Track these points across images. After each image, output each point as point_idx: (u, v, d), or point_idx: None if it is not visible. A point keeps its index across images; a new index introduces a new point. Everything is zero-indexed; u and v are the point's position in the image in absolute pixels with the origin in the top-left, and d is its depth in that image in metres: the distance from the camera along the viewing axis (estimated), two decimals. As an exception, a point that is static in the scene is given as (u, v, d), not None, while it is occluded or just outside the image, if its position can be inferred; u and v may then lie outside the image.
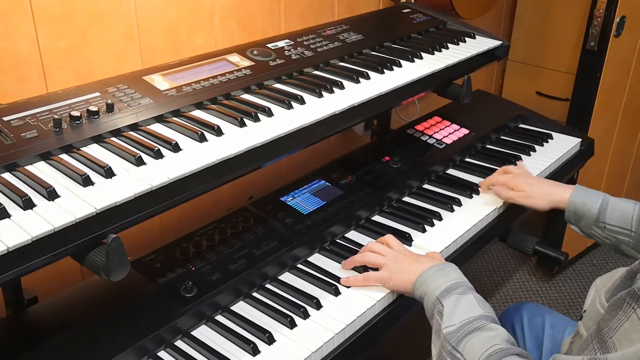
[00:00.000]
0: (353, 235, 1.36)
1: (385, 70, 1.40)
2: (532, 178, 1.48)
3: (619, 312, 0.81)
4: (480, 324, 0.99)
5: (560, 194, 1.37)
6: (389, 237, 1.27)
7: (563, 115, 2.40)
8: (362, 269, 1.22)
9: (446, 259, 1.24)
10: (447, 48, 1.59)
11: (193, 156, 1.02)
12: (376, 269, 1.20)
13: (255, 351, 1.03)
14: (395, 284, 1.16)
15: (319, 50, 1.45)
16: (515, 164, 1.64)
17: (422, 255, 1.21)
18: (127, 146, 1.02)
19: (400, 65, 1.44)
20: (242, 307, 1.14)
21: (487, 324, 0.99)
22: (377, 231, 1.35)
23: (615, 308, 0.82)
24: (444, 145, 1.70)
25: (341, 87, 1.30)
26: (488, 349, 0.94)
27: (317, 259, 1.28)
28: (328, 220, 1.34)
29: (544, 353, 1.34)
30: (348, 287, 1.19)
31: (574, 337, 1.14)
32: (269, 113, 1.17)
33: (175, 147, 1.02)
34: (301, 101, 1.22)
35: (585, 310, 1.08)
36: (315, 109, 1.21)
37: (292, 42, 1.46)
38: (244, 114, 1.14)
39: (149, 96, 1.15)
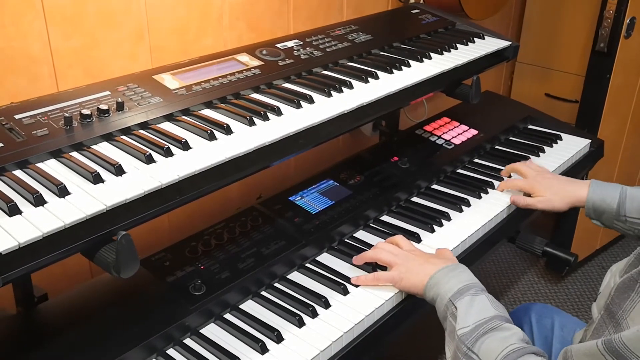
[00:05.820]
0: (361, 235, 1.36)
1: (394, 70, 1.40)
2: (547, 179, 1.45)
3: (631, 293, 0.80)
4: (495, 324, 0.98)
5: (577, 193, 1.37)
6: (399, 238, 1.26)
7: (572, 118, 2.39)
8: (372, 269, 1.22)
9: (455, 260, 1.23)
10: (456, 48, 1.58)
11: (203, 154, 1.02)
12: (386, 269, 1.20)
13: (264, 349, 1.03)
14: (406, 285, 1.15)
15: (327, 50, 1.45)
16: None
17: (432, 256, 1.20)
18: (137, 144, 1.02)
19: (409, 65, 1.44)
20: (250, 306, 1.15)
21: (502, 324, 0.99)
22: (386, 231, 1.35)
23: (627, 289, 0.81)
24: (453, 145, 1.70)
25: (350, 86, 1.30)
26: (504, 349, 0.94)
27: (325, 258, 1.28)
28: (336, 220, 1.34)
29: (554, 354, 1.33)
30: (357, 286, 1.19)
31: (588, 325, 1.12)
32: (278, 112, 1.17)
33: (185, 146, 1.03)
34: (310, 100, 1.22)
35: (600, 292, 1.07)
36: (324, 108, 1.21)
37: (301, 42, 1.46)
38: (253, 113, 1.14)
39: (159, 95, 1.16)
